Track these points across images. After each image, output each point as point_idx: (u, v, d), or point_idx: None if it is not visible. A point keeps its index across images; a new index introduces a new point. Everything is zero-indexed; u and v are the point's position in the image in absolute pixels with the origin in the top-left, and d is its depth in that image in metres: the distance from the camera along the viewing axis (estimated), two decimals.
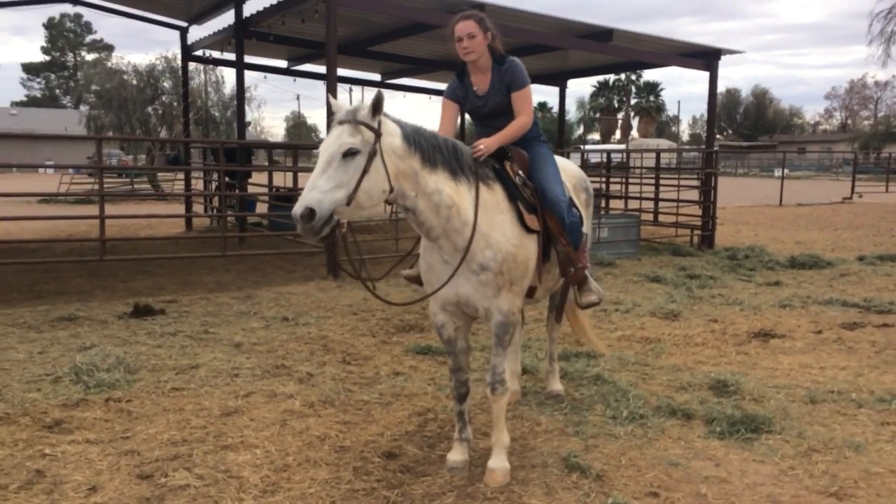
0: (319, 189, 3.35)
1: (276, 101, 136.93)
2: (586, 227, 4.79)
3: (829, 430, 4.63)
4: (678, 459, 4.20)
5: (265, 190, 16.09)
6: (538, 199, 4.22)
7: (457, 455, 4.13)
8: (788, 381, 5.61)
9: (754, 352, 6.54)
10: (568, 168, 4.90)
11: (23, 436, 4.44)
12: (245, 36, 13.94)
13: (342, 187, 3.40)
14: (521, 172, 4.27)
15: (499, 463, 4.01)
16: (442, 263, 3.85)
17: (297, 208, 3.31)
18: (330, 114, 3.69)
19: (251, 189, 15.95)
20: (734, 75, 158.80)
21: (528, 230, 3.99)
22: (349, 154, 3.42)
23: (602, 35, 12.86)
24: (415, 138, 3.68)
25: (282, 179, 18.16)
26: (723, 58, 14.10)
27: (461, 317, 4.05)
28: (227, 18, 14.84)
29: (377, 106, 3.52)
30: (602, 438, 4.52)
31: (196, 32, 16.39)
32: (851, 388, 5.44)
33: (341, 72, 13.57)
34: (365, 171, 3.44)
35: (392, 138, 3.58)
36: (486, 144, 4.00)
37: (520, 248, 3.92)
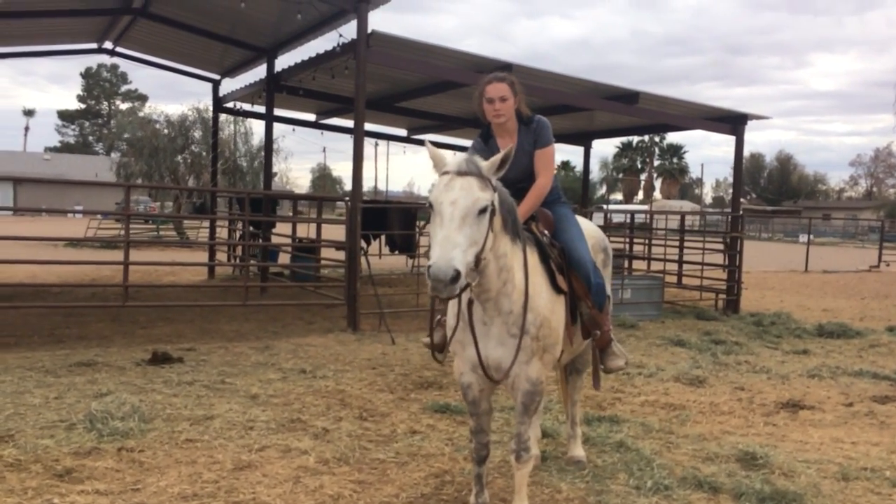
0: (461, 248, 3.17)
1: (302, 153, 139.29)
2: (607, 289, 4.70)
3: None
4: None
5: (288, 240, 16.18)
6: (564, 260, 4.17)
7: None
8: (819, 456, 5.40)
9: (783, 423, 6.34)
10: (587, 228, 4.84)
11: (32, 483, 4.36)
12: (276, 90, 14.25)
13: (474, 245, 3.25)
14: (546, 232, 4.24)
15: None
16: (480, 323, 3.74)
17: (443, 269, 3.07)
18: (434, 161, 3.51)
19: (275, 239, 16.05)
20: (757, 140, 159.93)
21: (558, 292, 3.92)
22: (483, 211, 3.29)
23: (628, 97, 12.96)
24: (502, 198, 3.57)
25: (305, 230, 18.28)
26: (748, 123, 14.14)
27: (488, 379, 3.92)
28: (258, 73, 15.24)
29: (505, 162, 3.45)
30: None
31: (228, 85, 16.80)
32: (885, 465, 5.22)
33: (368, 126, 13.79)
34: (489, 230, 3.34)
35: (496, 195, 3.47)
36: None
37: (552, 312, 3.85)
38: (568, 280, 4.10)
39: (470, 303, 3.67)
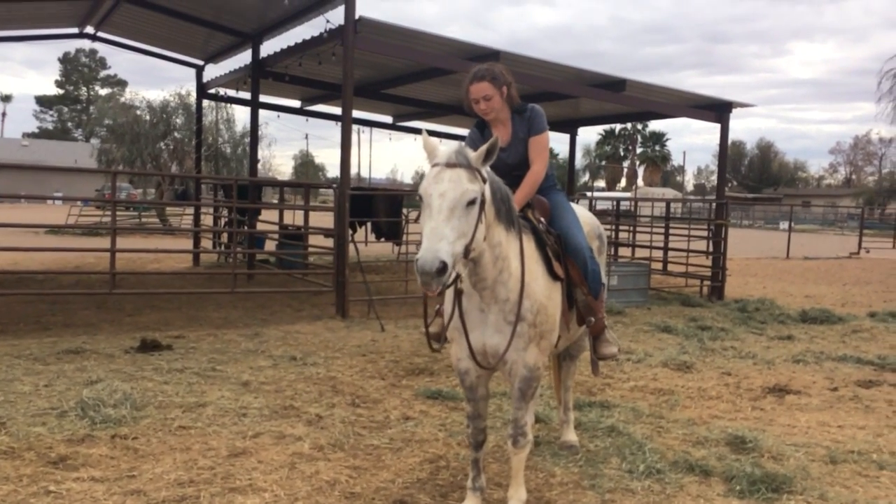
0: (447, 240, 3.17)
1: (285, 140, 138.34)
2: (602, 277, 4.73)
3: (852, 493, 4.51)
4: None
5: (275, 227, 16.11)
6: (560, 247, 4.19)
7: None
8: (807, 440, 5.49)
9: (770, 407, 6.43)
10: (582, 215, 4.86)
11: (27, 471, 4.34)
12: (261, 76, 14.12)
13: (462, 237, 3.25)
14: (542, 220, 4.25)
15: None
16: (478, 311, 3.76)
17: (430, 261, 3.08)
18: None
19: (260, 226, 15.97)
20: (737, 127, 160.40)
21: (554, 278, 3.94)
22: (472, 203, 3.29)
23: (615, 85, 12.98)
24: (494, 188, 3.58)
25: (291, 217, 18.23)
26: (732, 111, 14.22)
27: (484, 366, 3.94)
28: (242, 58, 15.11)
29: (492, 152, 3.43)
30: (619, 493, 4.40)
31: (211, 71, 16.64)
32: (871, 448, 5.32)
33: (354, 113, 13.70)
34: (479, 221, 3.34)
35: (487, 186, 3.48)
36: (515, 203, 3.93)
37: (549, 298, 3.87)
38: (564, 267, 4.12)
39: (460, 293, 3.68)
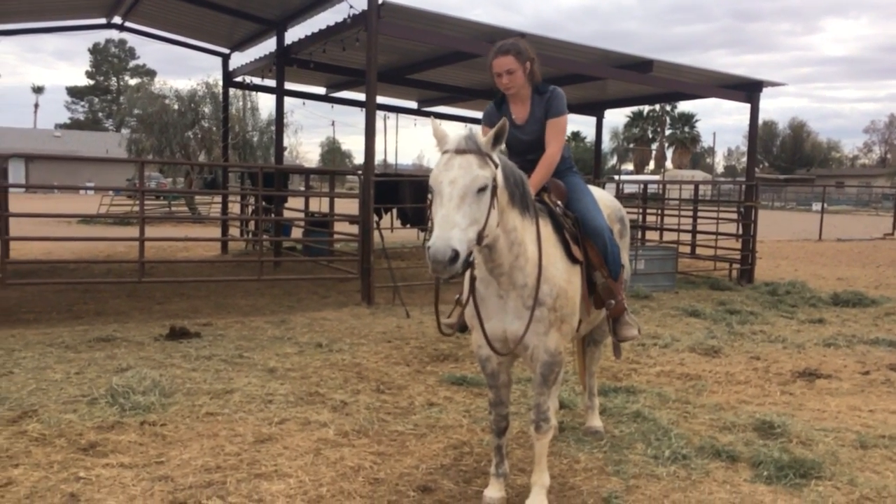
0: (459, 227, 3.15)
1: (312, 127, 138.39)
2: (623, 259, 4.67)
3: (882, 478, 4.44)
4: None
5: (301, 215, 16.19)
6: (579, 229, 4.15)
7: (494, 491, 4.02)
8: (837, 424, 5.41)
9: (799, 392, 6.34)
10: (602, 197, 4.81)
11: (58, 458, 4.43)
12: (286, 63, 14.14)
13: (475, 224, 3.24)
14: (559, 203, 4.21)
15: (538, 502, 3.89)
16: (496, 297, 3.75)
17: (441, 249, 3.06)
18: (440, 140, 3.46)
19: (287, 214, 16.05)
20: (769, 107, 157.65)
21: (573, 262, 3.91)
22: (482, 189, 3.27)
23: (642, 66, 12.80)
24: (507, 172, 3.55)
25: (317, 204, 18.30)
26: (763, 90, 13.97)
27: (503, 352, 3.92)
28: (268, 46, 15.14)
29: (500, 136, 3.41)
30: (644, 479, 4.37)
31: (237, 59, 16.72)
32: None
33: (379, 99, 13.69)
34: (491, 207, 3.32)
35: (499, 171, 3.46)
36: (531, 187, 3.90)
37: (568, 282, 3.84)
38: (583, 249, 4.09)
39: (474, 280, 3.66)
